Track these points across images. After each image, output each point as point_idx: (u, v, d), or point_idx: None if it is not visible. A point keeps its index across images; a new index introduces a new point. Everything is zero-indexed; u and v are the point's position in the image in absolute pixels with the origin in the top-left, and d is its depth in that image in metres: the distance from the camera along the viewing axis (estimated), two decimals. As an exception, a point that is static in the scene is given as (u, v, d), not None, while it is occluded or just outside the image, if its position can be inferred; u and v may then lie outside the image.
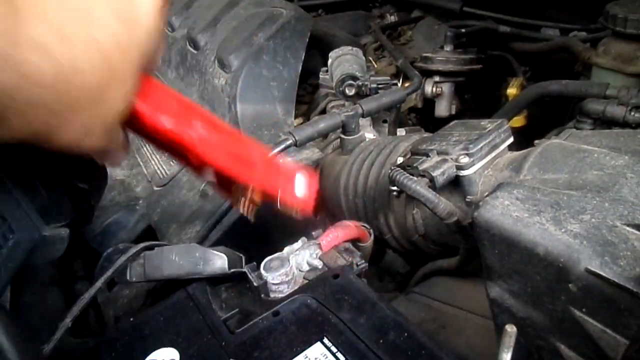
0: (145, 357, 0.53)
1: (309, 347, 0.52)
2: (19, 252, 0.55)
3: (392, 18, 1.62)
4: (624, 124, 0.82)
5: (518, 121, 1.23)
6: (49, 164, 0.59)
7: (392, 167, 0.71)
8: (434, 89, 1.28)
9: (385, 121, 1.18)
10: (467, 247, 0.74)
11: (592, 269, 0.47)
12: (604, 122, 0.85)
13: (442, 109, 1.32)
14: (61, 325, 0.49)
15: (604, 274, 0.46)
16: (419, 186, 0.66)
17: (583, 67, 1.16)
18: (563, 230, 0.52)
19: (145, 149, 1.33)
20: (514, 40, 1.41)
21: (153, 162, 1.28)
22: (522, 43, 1.40)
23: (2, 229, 0.54)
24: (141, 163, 1.31)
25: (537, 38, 1.38)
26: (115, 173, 1.31)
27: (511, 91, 1.23)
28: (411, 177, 0.68)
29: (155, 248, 0.64)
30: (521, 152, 0.72)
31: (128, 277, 0.62)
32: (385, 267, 1.13)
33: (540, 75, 1.36)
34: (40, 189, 0.61)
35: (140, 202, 1.21)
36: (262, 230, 0.99)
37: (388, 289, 1.13)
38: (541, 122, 1.28)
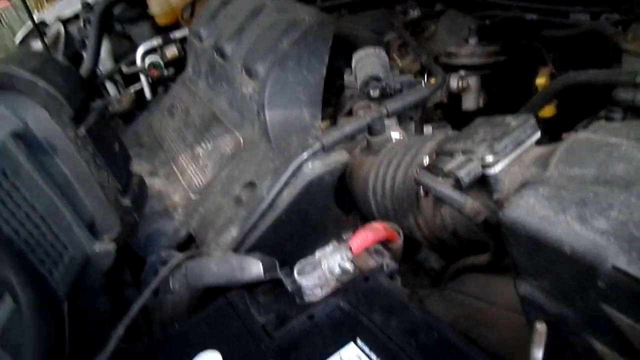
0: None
1: (343, 348, 0.55)
2: (74, 267, 0.60)
3: (414, 13, 1.61)
4: (655, 112, 0.81)
5: (548, 111, 1.21)
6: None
7: (418, 170, 0.73)
8: (460, 84, 1.27)
9: (411, 118, 1.18)
10: (497, 244, 0.74)
11: (619, 266, 0.48)
12: (634, 111, 0.83)
13: (470, 102, 1.31)
14: (114, 334, 0.54)
15: (631, 272, 0.47)
16: (444, 188, 0.68)
17: (615, 52, 1.12)
18: (589, 227, 0.52)
19: (181, 157, 1.39)
20: (542, 28, 1.38)
21: (189, 171, 1.33)
22: (550, 30, 1.36)
23: (58, 247, 0.59)
24: (177, 172, 1.37)
25: (566, 24, 1.35)
26: (154, 183, 1.37)
27: (540, 81, 1.21)
28: (436, 178, 0.69)
29: (196, 258, 0.68)
30: (548, 147, 0.72)
31: (172, 287, 0.66)
32: (419, 263, 1.14)
33: (571, 62, 1.32)
34: (89, 209, 0.66)
35: (179, 210, 1.26)
36: (296, 233, 1.02)
37: (423, 284, 1.14)
38: (574, 109, 1.25)
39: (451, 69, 1.27)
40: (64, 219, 0.61)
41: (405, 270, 1.14)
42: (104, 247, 0.65)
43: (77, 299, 0.99)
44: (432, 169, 0.73)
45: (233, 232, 1.02)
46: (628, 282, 0.47)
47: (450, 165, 0.71)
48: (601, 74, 0.94)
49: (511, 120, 0.77)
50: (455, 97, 1.33)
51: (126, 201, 0.67)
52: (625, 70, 0.95)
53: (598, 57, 1.21)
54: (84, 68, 1.98)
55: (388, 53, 1.35)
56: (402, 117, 1.19)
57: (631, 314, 0.49)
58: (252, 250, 0.93)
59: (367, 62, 1.17)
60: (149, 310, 1.04)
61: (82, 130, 0.60)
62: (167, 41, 1.88)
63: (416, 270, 1.17)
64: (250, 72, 1.26)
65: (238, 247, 0.97)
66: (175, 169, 1.38)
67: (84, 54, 2.05)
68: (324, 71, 1.20)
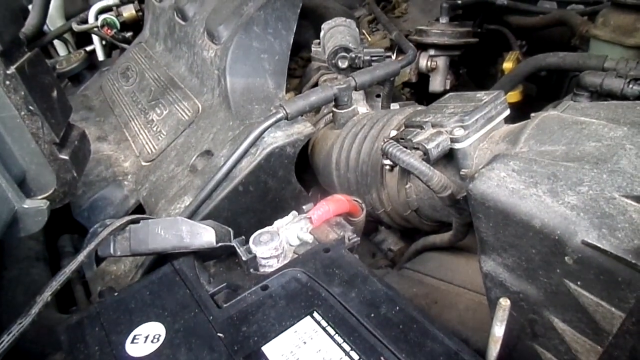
0: (130, 332, 0.52)
1: (299, 321, 0.51)
2: (-4, 224, 0.52)
3: (386, -10, 1.58)
4: (621, 97, 0.81)
5: (513, 96, 1.21)
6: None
7: (385, 140, 0.69)
8: (429, 63, 1.25)
9: (378, 95, 1.15)
10: (461, 221, 0.72)
11: (590, 241, 0.46)
12: (602, 95, 0.83)
13: (437, 83, 1.29)
14: (39, 298, 0.47)
15: (601, 246, 0.45)
16: (412, 159, 0.65)
17: (580, 41, 1.13)
18: (560, 202, 0.50)
19: (133, 123, 1.30)
20: (511, 14, 1.38)
21: (141, 137, 1.25)
22: (518, 17, 1.36)
23: (-22, 201, 0.52)
24: (129, 138, 1.28)
25: (534, 11, 1.35)
26: (103, 148, 1.28)
27: (507, 65, 1.21)
28: (404, 149, 0.66)
29: (141, 221, 0.62)
30: (517, 124, 0.71)
31: (112, 251, 0.60)
32: (377, 244, 1.12)
33: (536, 49, 1.33)
34: (18, 161, 0.59)
35: (129, 177, 1.18)
36: (253, 206, 0.97)
37: (380, 265, 1.12)
38: (536, 99, 1.26)
39: (421, 47, 1.24)
40: (-13, 170, 0.53)
41: (362, 250, 1.12)
42: (35, 204, 0.57)
43: (8, 265, 0.91)
44: (400, 140, 0.70)
45: (186, 201, 0.95)
46: (597, 258, 0.46)
47: (419, 137, 0.69)
48: (570, 57, 0.93)
49: (482, 96, 0.74)
50: (423, 78, 1.31)
51: (63, 155, 0.59)
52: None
53: (563, 46, 1.22)
54: (30, 24, 1.82)
55: (358, 28, 1.31)
56: (369, 93, 1.16)
57: (597, 291, 0.47)
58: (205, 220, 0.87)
59: (336, 32, 1.12)
60: (90, 281, 0.97)
61: (11, 69, 0.52)
62: (125, 0, 1.76)
63: (373, 250, 1.15)
64: (212, 36, 1.19)
65: (191, 217, 0.91)
66: (127, 135, 1.29)
67: (30, 8, 1.89)
68: (291, 39, 1.14)
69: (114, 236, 0.60)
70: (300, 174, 1.01)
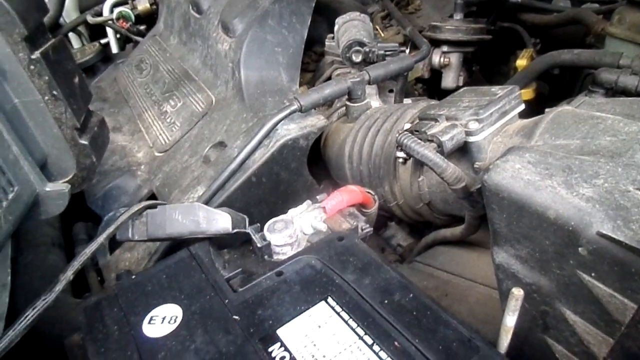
0: (148, 313, 0.53)
1: (313, 306, 0.51)
2: (19, 205, 0.54)
3: (400, -14, 1.58)
4: (636, 94, 0.81)
5: (525, 94, 1.21)
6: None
7: (400, 132, 0.70)
8: (442, 59, 1.25)
9: (391, 91, 1.15)
10: (473, 214, 0.73)
11: (604, 232, 0.46)
12: (616, 92, 0.83)
13: (449, 80, 1.29)
14: (62, 277, 0.49)
15: (616, 237, 0.45)
16: (427, 150, 0.65)
17: (595, 39, 1.13)
18: (575, 194, 0.51)
19: (147, 114, 1.32)
20: (525, 11, 1.37)
21: (155, 128, 1.26)
22: (533, 15, 1.36)
23: (2, 183, 0.53)
24: (142, 129, 1.29)
25: (548, 9, 1.35)
26: (117, 138, 1.30)
27: (521, 62, 1.21)
28: (419, 141, 0.67)
29: (159, 207, 0.63)
30: (532, 119, 0.71)
31: (130, 235, 0.61)
32: (386, 239, 1.13)
33: (550, 47, 1.33)
34: (40, 145, 0.60)
35: (142, 167, 1.19)
36: (265, 197, 0.98)
37: (389, 260, 1.13)
38: (548, 98, 1.26)
39: (434, 43, 1.24)
40: (10, 152, 0.54)
41: (371, 245, 1.12)
42: (57, 187, 0.59)
43: (25, 250, 0.93)
44: (415, 132, 0.70)
45: (199, 192, 0.96)
46: (611, 249, 0.46)
47: (433, 129, 0.69)
48: (585, 54, 0.93)
49: (497, 90, 0.75)
50: (436, 74, 1.31)
51: (84, 140, 0.60)
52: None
53: (578, 44, 1.22)
54: (46, 17, 1.84)
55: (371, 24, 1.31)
56: (381, 88, 1.16)
57: (610, 282, 0.48)
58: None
59: (351, 26, 1.12)
60: (103, 268, 0.98)
61: (36, 54, 0.53)
62: (139, -7, 1.77)
63: (382, 246, 1.15)
64: (227, 29, 1.20)
65: (204, 206, 0.92)
66: (141, 126, 1.30)
67: (47, 1, 1.91)
68: (305, 33, 1.14)
69: (132, 221, 0.61)
70: (311, 167, 1.02)
